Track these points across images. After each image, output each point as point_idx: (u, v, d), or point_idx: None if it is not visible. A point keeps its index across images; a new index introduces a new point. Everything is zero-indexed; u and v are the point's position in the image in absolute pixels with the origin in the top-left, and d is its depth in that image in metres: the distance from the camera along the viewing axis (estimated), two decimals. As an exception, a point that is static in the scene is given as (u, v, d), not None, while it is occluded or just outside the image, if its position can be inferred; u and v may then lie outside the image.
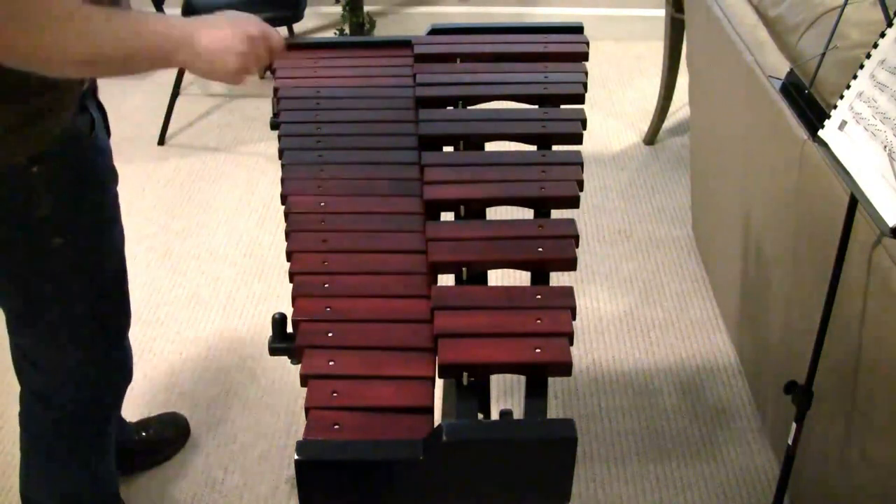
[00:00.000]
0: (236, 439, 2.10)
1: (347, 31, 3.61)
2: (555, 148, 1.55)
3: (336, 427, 1.08)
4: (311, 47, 1.78)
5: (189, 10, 3.16)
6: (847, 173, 1.26)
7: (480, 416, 1.18)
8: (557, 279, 2.38)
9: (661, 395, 2.21)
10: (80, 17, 1.14)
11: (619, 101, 3.49)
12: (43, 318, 1.47)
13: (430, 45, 1.76)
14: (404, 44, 1.78)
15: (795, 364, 1.71)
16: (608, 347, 2.35)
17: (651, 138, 3.21)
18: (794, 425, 1.54)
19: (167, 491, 1.98)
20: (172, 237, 2.75)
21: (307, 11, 3.31)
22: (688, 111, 2.84)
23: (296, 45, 1.79)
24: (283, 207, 1.41)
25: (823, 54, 1.48)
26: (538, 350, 1.16)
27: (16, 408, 1.65)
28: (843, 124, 1.30)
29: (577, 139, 1.56)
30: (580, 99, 1.63)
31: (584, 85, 1.64)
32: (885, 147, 1.21)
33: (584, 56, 1.72)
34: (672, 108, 3.20)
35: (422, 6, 3.91)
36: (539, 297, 1.25)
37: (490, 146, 1.56)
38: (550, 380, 1.26)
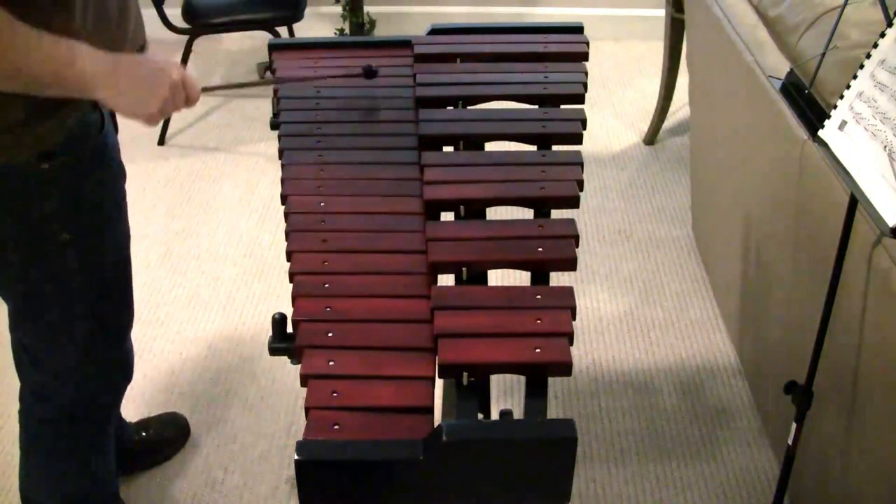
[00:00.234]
0: (236, 439, 2.10)
1: (347, 31, 3.61)
2: (555, 148, 1.55)
3: (336, 427, 1.09)
4: (311, 47, 1.78)
5: (189, 11, 3.16)
6: (847, 173, 1.26)
7: (480, 416, 1.18)
8: (557, 279, 2.38)
9: (661, 395, 2.21)
10: (9, 32, 1.15)
11: (619, 101, 3.49)
12: (45, 314, 1.48)
13: (430, 45, 1.76)
14: (404, 44, 1.78)
15: (795, 364, 1.71)
16: (608, 347, 2.35)
17: (651, 138, 3.21)
18: (794, 425, 1.54)
19: (167, 491, 1.98)
20: (172, 237, 2.75)
21: (307, 11, 3.31)
22: (688, 111, 2.84)
23: (296, 45, 1.79)
24: (283, 207, 1.41)
25: (823, 54, 1.48)
26: (538, 350, 1.16)
27: (16, 407, 1.65)
28: (843, 124, 1.30)
29: (577, 139, 1.56)
30: (580, 99, 1.63)
31: (584, 85, 1.64)
32: (885, 147, 1.21)
33: (584, 56, 1.72)
34: (672, 108, 3.20)
35: (422, 6, 3.91)
36: (539, 297, 1.25)
37: (490, 146, 1.56)
38: (550, 380, 1.26)
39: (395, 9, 3.90)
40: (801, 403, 1.52)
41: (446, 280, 1.30)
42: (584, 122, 1.57)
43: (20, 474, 1.71)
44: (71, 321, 1.50)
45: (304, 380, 1.15)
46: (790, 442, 1.56)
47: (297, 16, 3.24)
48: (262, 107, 3.43)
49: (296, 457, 1.03)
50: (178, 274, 2.61)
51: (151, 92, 1.30)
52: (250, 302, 2.51)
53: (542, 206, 1.43)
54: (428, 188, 1.43)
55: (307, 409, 1.11)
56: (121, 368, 1.68)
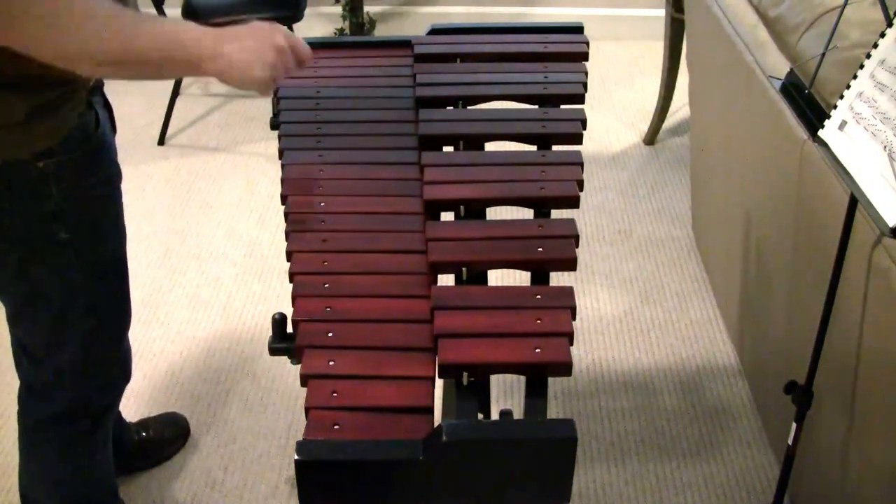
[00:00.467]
0: (236, 439, 2.10)
1: (347, 31, 3.61)
2: (555, 148, 1.55)
3: (336, 427, 1.08)
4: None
5: (189, 11, 3.16)
6: (847, 173, 1.26)
7: (480, 416, 1.18)
8: (557, 279, 2.38)
9: (662, 396, 2.21)
10: (105, 16, 1.16)
11: (619, 101, 3.49)
12: (44, 312, 1.48)
13: (430, 45, 1.76)
14: (404, 44, 1.78)
15: (795, 364, 1.71)
16: (608, 347, 2.35)
17: (651, 138, 3.21)
18: (794, 425, 1.54)
19: (167, 491, 1.98)
20: (172, 237, 2.75)
21: (307, 11, 3.31)
22: (688, 111, 2.84)
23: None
24: (283, 207, 1.41)
25: (823, 54, 1.48)
26: (538, 350, 1.16)
27: (16, 407, 1.65)
28: (843, 124, 1.30)
29: (577, 139, 1.56)
30: (580, 99, 1.63)
31: (584, 85, 1.64)
32: (885, 147, 1.21)
33: (584, 56, 1.72)
34: (672, 108, 3.20)
35: (422, 6, 3.91)
36: (539, 297, 1.25)
37: (490, 146, 1.56)
38: (550, 380, 1.26)
39: (395, 9, 3.90)
40: (801, 403, 1.52)
41: (446, 280, 1.30)
42: (584, 122, 1.57)
43: (20, 474, 1.71)
44: (70, 320, 1.50)
45: (304, 380, 1.15)
46: (790, 442, 1.56)
47: (297, 16, 3.23)
48: (262, 107, 3.43)
49: (296, 457, 1.03)
50: (178, 274, 2.61)
51: (259, 59, 1.29)
52: (250, 302, 2.51)
53: (542, 206, 1.43)
54: (428, 188, 1.43)
55: (307, 409, 1.11)
56: (120, 368, 1.68)
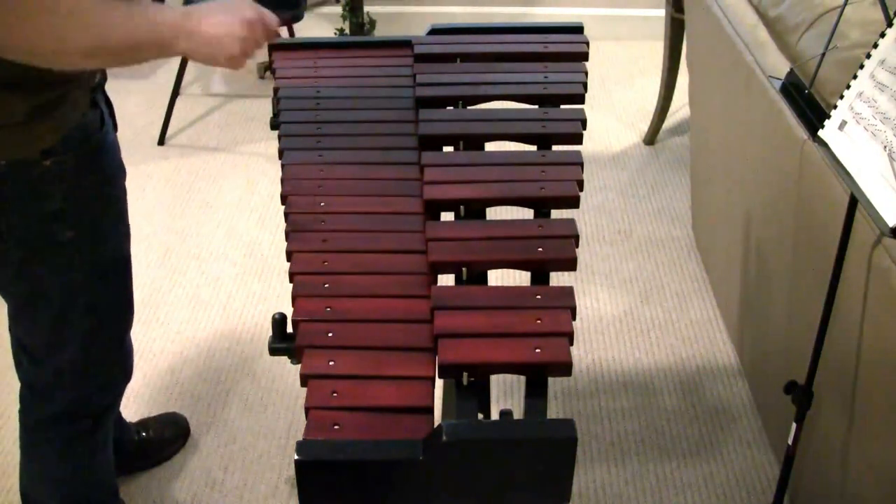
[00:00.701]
0: (236, 439, 2.10)
1: (347, 31, 3.61)
2: (555, 148, 1.55)
3: (336, 427, 1.08)
4: (311, 47, 1.78)
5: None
6: (847, 173, 1.26)
7: (480, 416, 1.18)
8: (557, 279, 2.38)
9: (662, 396, 2.21)
10: (80, 9, 1.15)
11: (619, 101, 3.49)
12: (44, 312, 1.48)
13: (430, 45, 1.76)
14: (404, 44, 1.78)
15: (795, 364, 1.71)
16: (608, 347, 2.35)
17: (651, 138, 3.21)
18: (794, 425, 1.54)
19: (167, 491, 1.98)
20: (172, 237, 2.75)
21: (307, 11, 3.31)
22: (688, 111, 2.84)
23: (295, 46, 1.79)
24: (283, 207, 1.41)
25: (823, 54, 1.48)
26: (538, 350, 1.16)
27: (16, 407, 1.65)
28: (843, 124, 1.30)
29: (577, 139, 1.56)
30: (580, 99, 1.63)
31: (584, 85, 1.64)
32: (885, 147, 1.21)
33: (584, 56, 1.72)
34: (672, 108, 3.20)
35: (422, 6, 3.91)
36: (539, 297, 1.25)
37: (490, 146, 1.56)
38: (550, 380, 1.26)
39: (395, 9, 3.90)
40: (801, 403, 1.52)
41: (446, 280, 1.30)
42: (584, 122, 1.57)
43: (20, 474, 1.71)
44: (71, 320, 1.50)
45: (304, 380, 1.15)
46: (790, 442, 1.56)
47: (297, 16, 3.24)
48: (262, 107, 3.43)
49: (296, 457, 1.03)
50: (178, 274, 2.61)
51: (229, 34, 1.30)
52: (250, 302, 2.51)
53: (542, 206, 1.43)
54: (428, 188, 1.43)
55: (307, 409, 1.11)
56: (120, 368, 1.68)
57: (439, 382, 1.21)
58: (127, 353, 1.68)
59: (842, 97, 1.31)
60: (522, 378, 1.18)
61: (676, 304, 2.48)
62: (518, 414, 1.23)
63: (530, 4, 3.91)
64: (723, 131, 2.21)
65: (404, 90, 1.66)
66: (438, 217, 1.45)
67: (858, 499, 1.53)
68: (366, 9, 3.57)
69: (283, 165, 1.49)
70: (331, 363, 1.16)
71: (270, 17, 1.38)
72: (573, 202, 1.42)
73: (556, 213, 1.41)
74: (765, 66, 1.82)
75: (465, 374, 1.15)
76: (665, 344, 2.36)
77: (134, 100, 3.45)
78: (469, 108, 1.63)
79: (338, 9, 3.67)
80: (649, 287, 2.55)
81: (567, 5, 3.88)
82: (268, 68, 1.59)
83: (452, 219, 1.44)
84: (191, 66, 3.46)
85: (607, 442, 2.09)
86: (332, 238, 1.35)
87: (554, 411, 2.17)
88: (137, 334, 2.33)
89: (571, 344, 1.18)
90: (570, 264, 1.32)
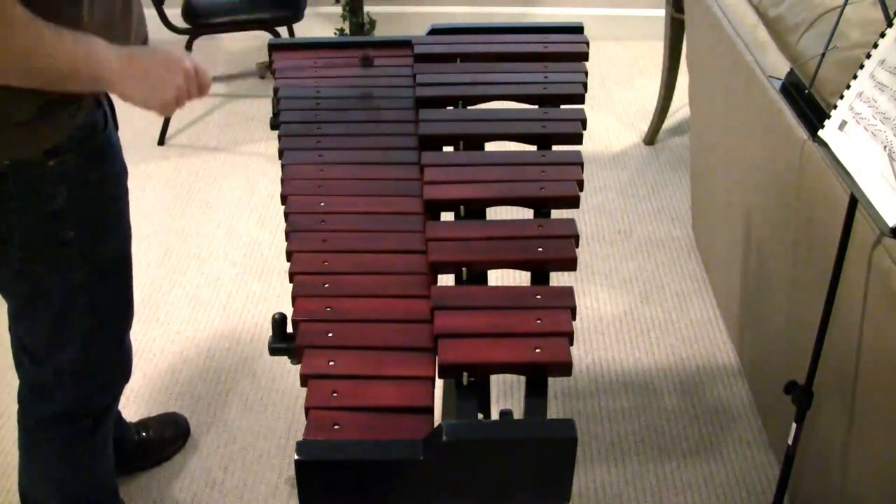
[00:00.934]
0: (236, 439, 2.10)
1: (347, 31, 3.61)
2: (555, 148, 1.55)
3: (336, 427, 1.09)
4: (311, 47, 1.78)
5: (189, 11, 3.16)
6: (847, 173, 1.26)
7: (480, 416, 1.18)
8: (557, 279, 2.38)
9: (662, 396, 2.21)
10: (31, 31, 1.16)
11: (619, 101, 3.49)
12: (44, 312, 1.48)
13: (430, 45, 1.76)
14: (404, 44, 1.78)
15: (795, 364, 1.71)
16: (608, 347, 2.35)
17: (651, 138, 3.21)
18: (794, 425, 1.54)
19: (167, 491, 1.98)
20: (172, 237, 2.75)
21: (307, 11, 3.31)
22: (688, 111, 2.84)
23: (295, 45, 1.79)
24: (283, 207, 1.41)
25: (823, 54, 1.48)
26: (538, 350, 1.16)
27: (16, 407, 1.65)
28: (843, 124, 1.30)
29: (577, 139, 1.56)
30: (580, 99, 1.63)
31: (584, 85, 1.64)
32: (885, 147, 1.21)
33: (584, 56, 1.72)
34: (672, 108, 3.20)
35: (422, 6, 3.91)
36: (539, 297, 1.25)
37: (490, 146, 1.56)
38: (550, 380, 1.26)
39: (395, 9, 3.90)
40: (801, 403, 1.52)
41: (446, 280, 1.30)
42: (584, 122, 1.57)
43: (20, 474, 1.71)
44: (71, 320, 1.50)
45: (304, 380, 1.15)
46: (790, 442, 1.56)
47: (297, 16, 3.24)
48: (262, 107, 3.43)
49: (296, 457, 1.03)
50: (178, 274, 2.61)
51: (166, 81, 1.33)
52: (250, 302, 2.51)
53: (542, 206, 1.43)
54: (428, 188, 1.43)
55: (307, 409, 1.11)
56: (120, 368, 1.68)
57: (439, 382, 1.21)
58: (126, 352, 1.68)
59: (842, 97, 1.31)
60: (522, 378, 1.18)
61: (676, 304, 2.48)
62: (518, 414, 1.23)
63: (530, 4, 3.91)
64: (723, 131, 2.21)
65: (404, 90, 1.66)
66: (438, 217, 1.45)
67: (858, 499, 1.53)
68: (366, 9, 3.57)
69: (283, 165, 1.49)
70: (331, 363, 1.16)
71: (204, 70, 1.40)
72: (573, 202, 1.42)
73: (556, 213, 1.41)
74: (765, 66, 1.82)
75: (465, 374, 1.15)
76: (665, 344, 2.36)
77: (134, 100, 3.44)
78: (469, 108, 1.63)
79: (338, 9, 3.67)
80: (649, 287, 2.55)
81: (567, 5, 3.88)
82: (268, 68, 1.59)
83: (452, 219, 1.44)
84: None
85: (607, 442, 2.09)
86: (332, 238, 1.35)
87: (554, 411, 2.17)
88: (137, 334, 2.33)
89: (571, 344, 1.18)
90: (570, 264, 1.32)
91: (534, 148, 1.55)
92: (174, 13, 3.13)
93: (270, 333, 1.29)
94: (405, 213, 1.41)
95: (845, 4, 1.45)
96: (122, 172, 1.52)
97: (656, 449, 2.07)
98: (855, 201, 1.34)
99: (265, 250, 2.70)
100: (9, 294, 1.48)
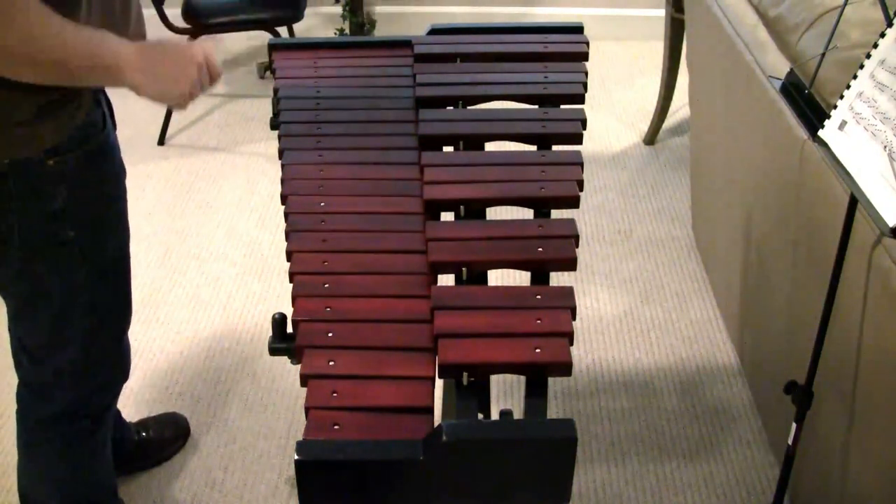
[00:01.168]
0: (236, 439, 2.10)
1: (347, 31, 3.61)
2: (555, 148, 1.55)
3: (336, 427, 1.08)
4: (311, 47, 1.78)
5: (189, 11, 3.16)
6: (847, 173, 1.26)
7: (480, 416, 1.18)
8: (557, 279, 2.38)
9: (662, 396, 2.21)
10: (49, 25, 1.17)
11: (619, 101, 3.49)
12: (44, 311, 1.48)
13: (430, 45, 1.76)
14: (404, 44, 1.78)
15: (795, 364, 1.71)
16: (608, 347, 2.35)
17: (651, 138, 3.21)
18: (794, 425, 1.54)
19: (167, 491, 1.98)
20: (172, 237, 2.75)
21: (307, 11, 3.31)
22: (688, 111, 2.84)
23: (295, 45, 1.79)
24: (283, 207, 1.41)
25: (823, 54, 1.48)
26: (538, 350, 1.16)
27: (16, 407, 1.65)
28: (843, 124, 1.30)
29: (577, 139, 1.56)
30: (580, 99, 1.63)
31: (584, 85, 1.64)
32: (885, 147, 1.21)
33: (584, 56, 1.72)
34: (672, 108, 3.20)
35: (422, 6, 3.91)
36: (539, 297, 1.25)
37: (490, 146, 1.56)
38: (550, 380, 1.26)
39: (395, 9, 3.90)
40: (801, 403, 1.52)
41: (446, 280, 1.30)
42: (584, 122, 1.57)
43: (20, 474, 1.71)
44: (72, 320, 1.50)
45: (304, 380, 1.15)
46: (790, 442, 1.56)
47: (297, 16, 3.24)
48: (262, 107, 3.43)
49: (296, 457, 1.03)
50: (178, 274, 2.61)
51: (180, 73, 1.33)
52: (250, 302, 2.51)
53: (542, 206, 1.43)
54: (428, 188, 1.43)
55: (307, 409, 1.11)
56: (119, 367, 1.68)
57: (439, 382, 1.21)
58: (125, 352, 1.68)
59: (842, 97, 1.31)
60: (522, 378, 1.18)
61: (676, 304, 2.48)
62: (518, 414, 1.23)
63: (530, 4, 3.91)
64: (723, 131, 2.21)
65: (404, 90, 1.66)
66: (438, 217, 1.45)
67: (858, 499, 1.53)
68: (366, 9, 3.58)
69: (283, 165, 1.49)
70: (331, 363, 1.16)
71: (215, 60, 1.40)
72: (573, 202, 1.42)
73: (556, 213, 1.41)
74: (765, 66, 1.82)
75: (465, 374, 1.15)
76: (665, 344, 2.36)
77: (134, 99, 3.44)
78: (469, 108, 1.63)
79: (338, 9, 3.67)
80: (649, 287, 2.55)
81: (567, 5, 3.88)
82: (268, 68, 1.58)
83: (452, 219, 1.44)
84: (191, 66, 3.45)
85: (607, 442, 2.09)
86: (332, 238, 1.35)
87: (554, 411, 2.17)
88: (137, 334, 2.33)
89: (571, 344, 1.18)
90: (570, 264, 1.32)
91: (534, 148, 1.55)
92: (174, 13, 3.13)
93: (270, 333, 1.29)
94: (405, 213, 1.41)
95: (845, 4, 1.45)
96: (121, 172, 1.52)
97: (656, 449, 2.07)
98: (855, 201, 1.34)
99: (265, 250, 2.70)
100: (9, 294, 1.48)
